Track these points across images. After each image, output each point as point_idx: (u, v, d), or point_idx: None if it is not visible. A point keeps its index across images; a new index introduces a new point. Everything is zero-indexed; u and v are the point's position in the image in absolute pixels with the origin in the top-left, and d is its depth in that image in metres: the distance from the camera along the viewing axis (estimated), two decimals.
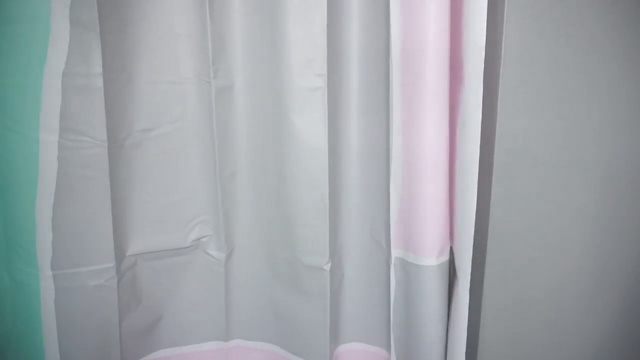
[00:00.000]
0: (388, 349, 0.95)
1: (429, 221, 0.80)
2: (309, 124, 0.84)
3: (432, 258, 0.81)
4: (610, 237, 0.81)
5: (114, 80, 0.80)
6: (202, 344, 0.98)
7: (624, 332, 0.85)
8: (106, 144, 0.78)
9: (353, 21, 0.85)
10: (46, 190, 0.77)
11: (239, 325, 0.98)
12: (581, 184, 0.79)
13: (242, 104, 0.89)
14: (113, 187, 0.81)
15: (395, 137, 0.82)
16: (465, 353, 0.80)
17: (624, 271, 0.82)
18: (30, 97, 0.74)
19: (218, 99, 0.86)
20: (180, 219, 0.92)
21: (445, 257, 0.83)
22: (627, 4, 0.73)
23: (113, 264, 0.83)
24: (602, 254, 0.82)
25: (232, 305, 0.97)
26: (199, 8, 0.83)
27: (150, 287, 0.92)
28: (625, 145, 0.78)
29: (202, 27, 0.84)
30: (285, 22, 0.82)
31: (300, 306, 0.94)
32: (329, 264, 0.89)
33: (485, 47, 0.70)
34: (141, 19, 0.82)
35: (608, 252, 0.82)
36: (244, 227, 0.94)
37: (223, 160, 0.89)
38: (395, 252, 0.87)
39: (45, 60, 0.73)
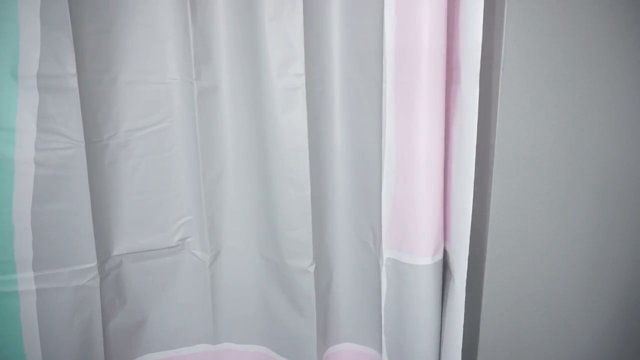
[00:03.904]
0: (379, 349, 0.94)
1: (425, 220, 0.80)
2: (290, 125, 0.84)
3: (427, 257, 0.81)
4: (609, 236, 0.81)
5: (97, 80, 0.82)
6: (191, 347, 0.98)
7: (623, 331, 0.86)
8: (83, 144, 0.79)
9: (336, 20, 0.83)
10: (24, 193, 0.78)
11: (228, 327, 0.98)
12: (580, 184, 0.79)
13: (225, 105, 0.89)
14: (95, 187, 0.82)
15: (388, 137, 0.81)
16: (463, 353, 0.81)
17: (623, 271, 0.83)
18: (6, 99, 0.74)
19: (200, 100, 0.87)
20: (166, 219, 0.92)
21: (439, 257, 0.83)
22: (627, 5, 0.73)
23: (95, 264, 0.83)
24: (601, 253, 0.82)
25: (219, 308, 0.96)
26: (181, 9, 0.83)
27: (136, 287, 0.92)
28: (625, 145, 0.78)
29: (184, 28, 0.84)
30: (263, 23, 0.82)
31: (287, 308, 0.93)
32: (314, 266, 0.88)
33: (485, 47, 0.70)
34: (125, 20, 0.83)
35: (607, 252, 0.82)
36: (230, 229, 0.94)
37: (207, 162, 0.89)
38: (387, 253, 0.86)
39: (19, 61, 0.74)
